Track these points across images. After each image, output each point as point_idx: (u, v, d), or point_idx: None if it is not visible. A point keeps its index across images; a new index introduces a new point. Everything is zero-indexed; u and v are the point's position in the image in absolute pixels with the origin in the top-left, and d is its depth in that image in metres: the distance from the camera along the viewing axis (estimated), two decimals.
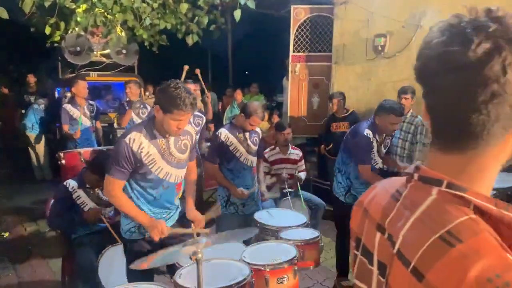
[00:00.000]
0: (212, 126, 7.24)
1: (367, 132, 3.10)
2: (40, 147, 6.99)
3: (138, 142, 2.19)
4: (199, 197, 2.64)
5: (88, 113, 5.22)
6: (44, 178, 7.01)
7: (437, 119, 0.69)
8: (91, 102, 5.43)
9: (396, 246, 0.69)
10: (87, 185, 3.07)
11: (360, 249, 0.82)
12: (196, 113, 4.31)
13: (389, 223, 0.73)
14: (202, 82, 5.64)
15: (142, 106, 5.34)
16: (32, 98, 7.55)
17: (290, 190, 4.09)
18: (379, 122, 3.05)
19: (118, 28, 6.44)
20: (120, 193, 2.26)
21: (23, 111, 7.44)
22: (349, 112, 5.08)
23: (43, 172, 7.06)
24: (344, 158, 3.32)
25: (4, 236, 4.66)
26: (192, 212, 2.49)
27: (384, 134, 3.15)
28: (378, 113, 3.05)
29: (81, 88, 5.16)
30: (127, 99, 5.39)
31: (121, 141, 2.22)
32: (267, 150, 4.37)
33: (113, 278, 2.91)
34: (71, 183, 3.05)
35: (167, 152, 2.28)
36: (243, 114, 3.13)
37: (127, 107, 5.19)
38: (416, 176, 0.72)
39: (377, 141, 3.13)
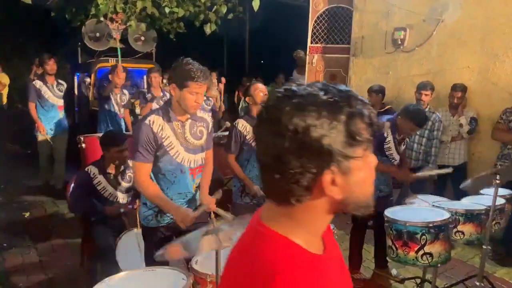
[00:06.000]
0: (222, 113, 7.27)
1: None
2: None
3: (157, 124, 2.22)
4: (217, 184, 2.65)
5: (119, 101, 5.29)
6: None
7: None
8: (124, 90, 5.47)
9: None
10: (108, 171, 3.15)
11: None
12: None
13: None
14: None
15: (162, 95, 5.39)
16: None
17: None
18: (400, 123, 3.06)
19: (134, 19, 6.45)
20: (147, 179, 2.26)
21: None
22: (385, 108, 4.91)
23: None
24: None
25: (25, 216, 4.83)
26: (205, 197, 2.48)
27: (402, 135, 3.17)
28: (402, 114, 3.05)
29: (115, 75, 5.17)
30: (145, 87, 5.41)
31: (141, 123, 2.24)
32: None
33: (130, 261, 3.00)
34: (92, 169, 3.12)
35: (182, 137, 2.30)
36: (248, 97, 3.22)
37: (147, 95, 5.23)
38: None
39: (396, 139, 3.15)
